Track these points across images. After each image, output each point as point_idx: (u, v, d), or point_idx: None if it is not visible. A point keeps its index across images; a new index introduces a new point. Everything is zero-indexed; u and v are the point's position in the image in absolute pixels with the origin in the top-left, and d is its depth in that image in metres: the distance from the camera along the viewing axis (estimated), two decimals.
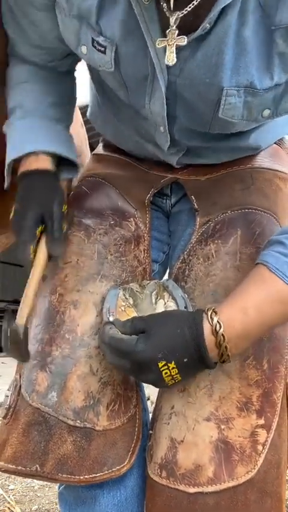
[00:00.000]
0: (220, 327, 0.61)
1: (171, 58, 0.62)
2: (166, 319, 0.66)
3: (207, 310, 0.64)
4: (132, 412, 0.73)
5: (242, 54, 0.62)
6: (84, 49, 0.71)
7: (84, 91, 0.97)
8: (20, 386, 0.74)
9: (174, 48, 0.61)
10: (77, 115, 1.22)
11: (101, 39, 0.67)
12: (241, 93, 0.65)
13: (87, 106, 0.96)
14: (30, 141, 0.80)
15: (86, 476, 0.67)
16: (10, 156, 0.80)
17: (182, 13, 0.60)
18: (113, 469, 0.69)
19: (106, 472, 0.68)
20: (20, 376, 0.75)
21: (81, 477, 0.67)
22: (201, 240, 0.82)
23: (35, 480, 1.89)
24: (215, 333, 0.61)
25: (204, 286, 0.77)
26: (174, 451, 0.66)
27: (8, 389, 0.76)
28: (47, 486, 1.86)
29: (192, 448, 0.65)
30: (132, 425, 0.73)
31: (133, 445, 0.71)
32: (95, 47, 0.68)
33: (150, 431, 0.73)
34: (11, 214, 0.77)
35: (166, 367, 0.61)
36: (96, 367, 0.73)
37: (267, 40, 0.61)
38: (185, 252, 0.83)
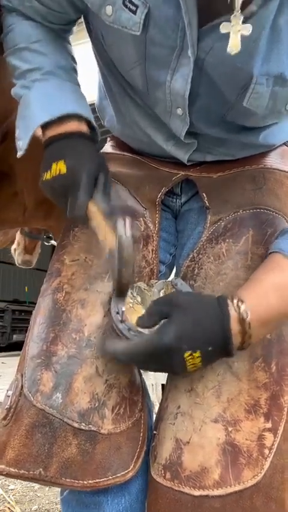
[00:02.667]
0: (247, 315, 0.61)
1: (235, 45, 0.57)
2: (191, 303, 0.64)
3: (233, 297, 0.63)
4: (137, 417, 0.72)
5: (276, 42, 0.61)
6: (109, 9, 0.66)
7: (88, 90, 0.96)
8: (22, 386, 0.71)
9: (239, 36, 0.57)
10: None
11: None
12: (270, 82, 0.64)
13: (92, 104, 0.96)
14: (64, 103, 0.76)
15: (90, 481, 0.65)
16: (39, 119, 0.75)
17: None
18: (118, 475, 0.66)
19: (110, 477, 0.66)
20: (22, 376, 0.72)
21: (85, 482, 0.65)
22: (212, 238, 0.81)
23: None
24: (241, 321, 0.61)
25: (215, 285, 0.76)
26: (179, 452, 0.64)
27: (8, 390, 0.73)
28: (47, 486, 1.85)
29: (198, 450, 0.64)
30: (137, 429, 0.71)
31: (138, 450, 0.69)
32: (125, 6, 0.64)
33: (155, 432, 0.71)
34: (56, 170, 0.73)
35: (191, 356, 0.60)
36: (102, 368, 0.71)
37: None
38: (195, 250, 0.82)
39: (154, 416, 0.79)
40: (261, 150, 0.87)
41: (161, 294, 0.75)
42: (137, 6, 0.63)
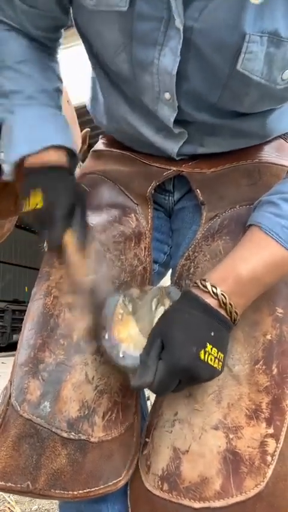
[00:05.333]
0: (216, 288, 0.62)
1: None
2: (172, 316, 0.64)
3: (198, 282, 0.64)
4: (130, 421, 0.69)
5: None
6: None
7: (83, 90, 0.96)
8: (10, 395, 0.68)
9: None
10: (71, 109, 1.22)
11: None
12: (264, 41, 0.60)
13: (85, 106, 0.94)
14: (45, 134, 0.76)
15: (80, 492, 0.63)
16: (21, 150, 0.75)
17: None
18: (109, 483, 0.64)
19: (102, 486, 0.64)
20: (11, 384, 0.69)
21: (75, 492, 0.63)
22: (208, 235, 0.78)
23: None
24: (215, 296, 0.62)
25: None
26: (177, 462, 0.61)
27: None
28: (37, 498, 1.85)
29: (198, 459, 0.61)
30: (130, 435, 0.69)
31: (131, 457, 0.67)
32: None
33: (147, 439, 0.68)
34: (33, 202, 0.75)
35: (207, 353, 0.59)
36: (92, 374, 0.69)
37: None
38: (190, 248, 0.79)
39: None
40: (255, 142, 0.84)
41: (154, 303, 0.71)
42: None
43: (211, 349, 0.59)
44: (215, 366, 0.60)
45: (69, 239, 0.74)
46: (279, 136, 0.88)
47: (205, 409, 0.64)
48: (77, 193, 0.78)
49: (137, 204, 0.84)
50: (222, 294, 0.61)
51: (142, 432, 0.72)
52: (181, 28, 0.62)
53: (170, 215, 0.91)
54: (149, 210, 0.84)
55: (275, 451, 0.61)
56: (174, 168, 0.84)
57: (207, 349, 0.59)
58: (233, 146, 0.83)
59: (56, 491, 0.63)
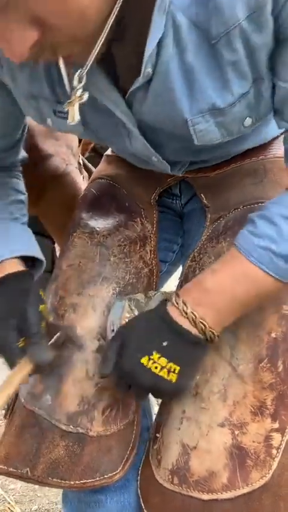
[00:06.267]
0: (178, 297, 0.63)
1: (71, 117, 0.56)
2: (136, 321, 0.67)
3: (171, 297, 0.65)
4: (130, 418, 0.72)
5: (193, 81, 0.56)
6: (49, 121, 0.69)
7: None
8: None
9: (77, 106, 0.55)
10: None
11: (61, 108, 0.64)
12: (207, 117, 0.60)
13: None
14: None
15: (76, 482, 0.66)
16: None
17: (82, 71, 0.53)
18: (105, 476, 0.67)
19: (98, 478, 0.67)
20: None
21: (72, 482, 0.66)
22: (212, 237, 0.79)
23: None
24: (177, 305, 0.62)
25: None
26: (186, 457, 0.65)
27: None
28: (37, 485, 1.85)
29: (205, 455, 0.64)
30: (130, 431, 0.71)
31: (128, 452, 0.70)
32: (59, 116, 0.66)
33: (157, 435, 0.71)
34: None
35: (151, 361, 0.60)
36: (93, 371, 0.72)
37: (213, 56, 0.54)
38: (196, 250, 0.80)
39: (154, 416, 0.79)
40: (260, 142, 0.83)
41: None
42: (67, 113, 0.62)
43: (158, 358, 0.61)
44: (161, 374, 0.61)
45: (23, 364, 0.66)
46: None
47: (211, 408, 0.66)
48: (25, 298, 0.70)
49: (143, 209, 0.86)
50: (183, 303, 0.62)
51: (149, 428, 0.76)
52: (135, 128, 0.64)
53: (180, 216, 0.93)
54: (155, 214, 0.86)
55: (280, 444, 0.63)
56: (179, 174, 0.85)
57: (152, 357, 0.61)
58: (237, 151, 0.83)
59: (54, 480, 0.66)
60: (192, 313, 0.61)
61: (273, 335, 0.68)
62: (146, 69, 0.54)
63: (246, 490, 0.61)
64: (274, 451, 0.63)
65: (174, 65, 0.55)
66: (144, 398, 0.66)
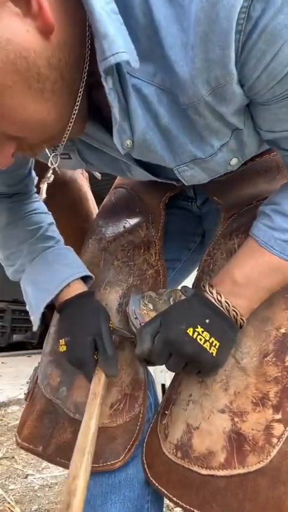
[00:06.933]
0: (213, 288, 0.69)
1: (41, 194, 0.65)
2: (174, 306, 0.72)
3: (201, 285, 0.71)
4: (136, 411, 0.76)
5: (171, 139, 0.59)
6: (54, 159, 0.71)
7: None
8: (37, 377, 0.86)
9: (45, 186, 0.64)
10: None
11: (61, 150, 0.67)
12: (191, 165, 0.63)
13: None
14: (57, 278, 0.81)
15: None
16: (43, 299, 0.80)
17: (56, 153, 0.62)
18: (107, 463, 0.73)
19: (101, 464, 0.72)
20: (38, 368, 0.87)
21: None
22: (226, 233, 0.83)
23: (34, 480, 1.89)
24: (211, 294, 0.68)
25: None
26: (189, 435, 0.70)
27: (29, 378, 0.89)
28: (47, 486, 1.86)
29: (206, 436, 0.69)
30: (135, 423, 0.76)
31: (131, 442, 0.74)
32: (62, 158, 0.71)
33: (166, 412, 0.76)
34: (62, 347, 0.77)
35: (196, 333, 0.65)
36: None
37: (186, 117, 0.57)
38: (211, 245, 0.84)
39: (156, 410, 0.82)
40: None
41: (171, 301, 0.78)
42: (68, 154, 0.72)
43: (202, 331, 0.65)
44: (204, 346, 0.65)
45: (99, 375, 0.74)
46: None
47: (213, 395, 0.71)
48: (96, 324, 0.77)
49: (150, 214, 0.92)
50: (217, 293, 0.68)
51: (156, 406, 0.82)
52: (133, 163, 0.69)
53: (200, 216, 0.97)
54: (161, 219, 0.91)
55: (282, 434, 0.66)
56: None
57: (197, 330, 0.65)
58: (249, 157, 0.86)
59: (61, 460, 0.76)
60: (226, 301, 0.67)
61: (282, 330, 0.71)
62: (124, 142, 0.59)
63: (241, 471, 0.65)
64: (275, 440, 0.65)
65: (149, 130, 0.58)
66: (179, 369, 0.69)
